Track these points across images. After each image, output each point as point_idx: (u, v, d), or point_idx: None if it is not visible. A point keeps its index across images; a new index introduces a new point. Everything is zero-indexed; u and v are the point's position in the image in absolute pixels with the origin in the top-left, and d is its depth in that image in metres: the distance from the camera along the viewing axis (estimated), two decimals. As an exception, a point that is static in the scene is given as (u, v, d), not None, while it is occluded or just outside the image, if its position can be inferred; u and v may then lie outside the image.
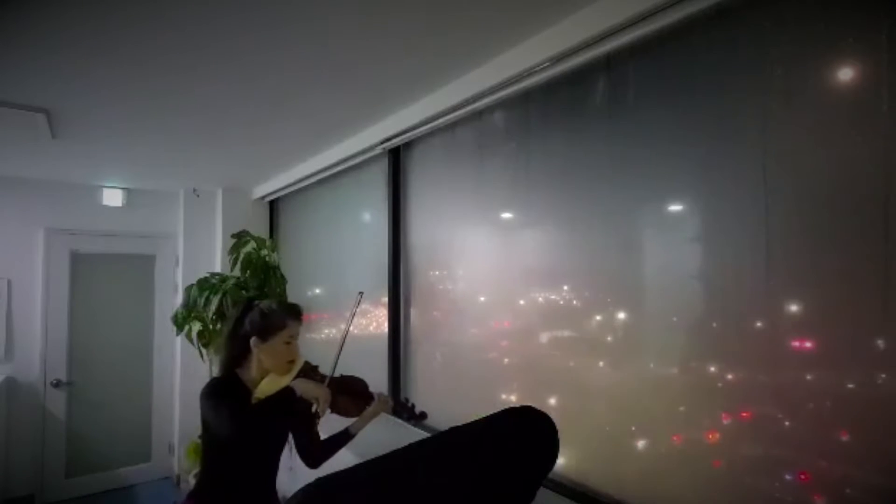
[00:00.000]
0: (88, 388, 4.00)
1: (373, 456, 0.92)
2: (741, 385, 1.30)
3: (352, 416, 1.79)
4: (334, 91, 2.12)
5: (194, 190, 4.16)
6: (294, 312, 1.70)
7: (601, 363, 1.65)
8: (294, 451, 1.83)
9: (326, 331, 3.27)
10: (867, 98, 1.09)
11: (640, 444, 1.52)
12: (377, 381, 2.21)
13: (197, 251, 4.16)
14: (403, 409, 1.88)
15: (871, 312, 1.08)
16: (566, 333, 1.77)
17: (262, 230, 4.11)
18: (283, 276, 3.30)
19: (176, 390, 4.18)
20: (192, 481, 3.15)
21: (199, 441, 3.36)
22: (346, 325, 1.83)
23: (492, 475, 1.00)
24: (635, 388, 1.53)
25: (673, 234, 1.48)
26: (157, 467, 4.26)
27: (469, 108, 1.99)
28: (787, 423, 1.21)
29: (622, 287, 1.58)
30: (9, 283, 3.75)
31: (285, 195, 3.93)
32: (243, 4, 1.46)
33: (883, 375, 1.07)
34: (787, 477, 1.20)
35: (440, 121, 2.15)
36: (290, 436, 1.80)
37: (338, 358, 1.81)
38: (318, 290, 3.55)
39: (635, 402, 1.53)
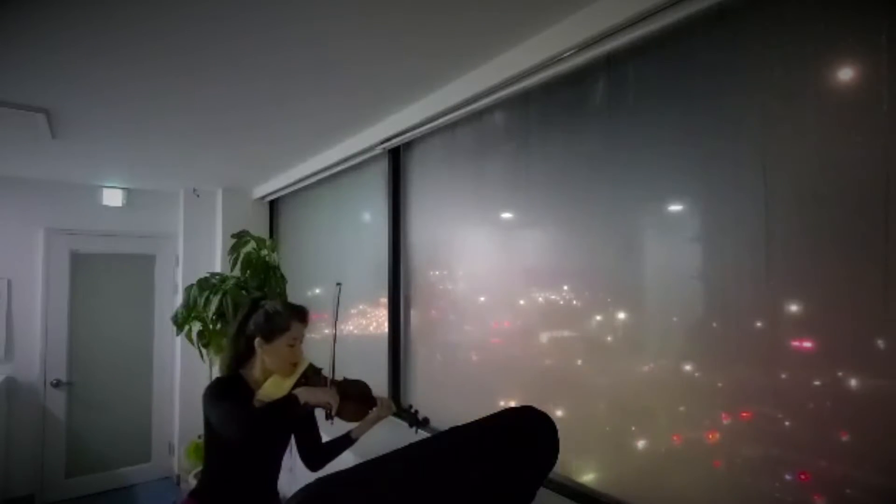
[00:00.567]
0: (88, 388, 4.00)
1: (373, 456, 0.92)
2: (741, 385, 1.30)
3: (355, 421, 1.79)
4: (334, 91, 2.12)
5: (194, 190, 4.16)
6: (299, 314, 1.69)
7: (601, 363, 1.65)
8: (294, 452, 1.84)
9: (326, 331, 3.27)
10: (867, 98, 1.09)
11: (640, 443, 1.52)
12: (377, 381, 2.21)
13: (197, 251, 4.16)
14: (407, 416, 1.88)
15: (872, 312, 1.08)
16: (566, 333, 1.77)
17: (262, 230, 4.11)
18: (283, 276, 3.30)
19: (176, 390, 4.18)
20: (193, 481, 3.15)
21: (199, 441, 3.36)
22: (333, 321, 1.83)
23: (492, 475, 1.00)
24: (635, 387, 1.53)
25: (673, 233, 1.48)
26: (157, 467, 4.26)
27: (469, 108, 1.99)
28: (787, 423, 1.21)
29: (622, 287, 1.58)
30: (9, 283, 3.75)
31: (285, 195, 3.93)
32: (243, 5, 1.46)
33: (883, 375, 1.07)
34: (787, 477, 1.20)
35: (440, 121, 2.15)
36: (292, 437, 1.81)
37: (334, 360, 1.80)
38: (318, 290, 3.55)
39: (635, 402, 1.53)
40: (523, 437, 1.09)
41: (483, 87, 1.86)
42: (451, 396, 2.25)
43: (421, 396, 2.43)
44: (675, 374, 1.45)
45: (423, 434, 2.13)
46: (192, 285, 3.11)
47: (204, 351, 3.14)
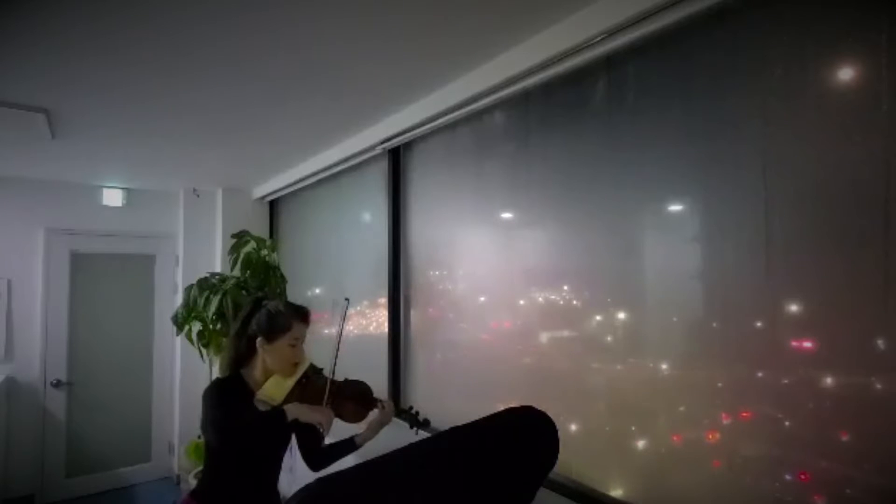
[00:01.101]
0: (88, 388, 4.00)
1: (373, 456, 0.92)
2: (741, 385, 1.30)
3: (355, 422, 1.79)
4: (334, 91, 2.12)
5: (194, 190, 4.16)
6: (301, 315, 1.69)
7: (601, 363, 1.65)
8: (294, 452, 1.83)
9: (327, 331, 3.27)
10: (867, 98, 1.09)
11: (640, 443, 1.52)
12: (377, 382, 2.21)
13: (197, 251, 4.16)
14: (407, 417, 1.87)
15: (872, 312, 1.08)
16: (566, 333, 1.77)
17: (262, 230, 4.11)
18: (283, 276, 3.30)
19: (176, 390, 4.18)
20: (193, 481, 3.15)
21: (199, 440, 3.36)
22: (337, 335, 1.81)
23: (492, 475, 1.00)
24: (635, 387, 1.53)
25: (673, 234, 1.48)
26: (157, 467, 4.26)
27: (469, 108, 1.99)
28: (787, 423, 1.21)
29: (622, 287, 1.58)
30: (9, 283, 3.75)
31: (285, 195, 3.93)
32: (243, 5, 1.47)
33: (883, 375, 1.07)
34: (787, 477, 1.20)
35: (440, 121, 2.15)
36: (293, 437, 1.80)
37: (335, 364, 1.80)
38: (318, 290, 3.55)
39: (635, 402, 1.53)
40: (523, 437, 1.09)
41: (483, 87, 1.86)
42: (452, 397, 2.25)
43: (421, 397, 2.43)
44: (676, 374, 1.45)
45: (423, 435, 2.13)
46: (192, 285, 3.11)
47: (204, 351, 3.14)
